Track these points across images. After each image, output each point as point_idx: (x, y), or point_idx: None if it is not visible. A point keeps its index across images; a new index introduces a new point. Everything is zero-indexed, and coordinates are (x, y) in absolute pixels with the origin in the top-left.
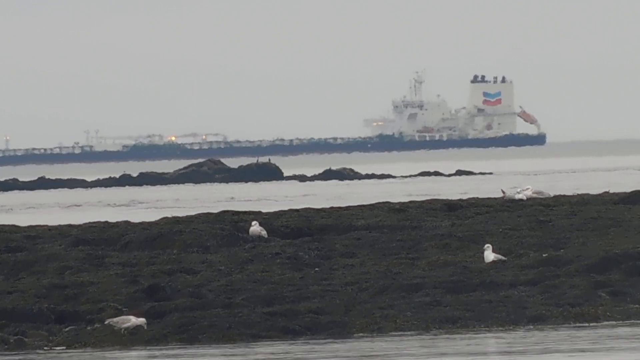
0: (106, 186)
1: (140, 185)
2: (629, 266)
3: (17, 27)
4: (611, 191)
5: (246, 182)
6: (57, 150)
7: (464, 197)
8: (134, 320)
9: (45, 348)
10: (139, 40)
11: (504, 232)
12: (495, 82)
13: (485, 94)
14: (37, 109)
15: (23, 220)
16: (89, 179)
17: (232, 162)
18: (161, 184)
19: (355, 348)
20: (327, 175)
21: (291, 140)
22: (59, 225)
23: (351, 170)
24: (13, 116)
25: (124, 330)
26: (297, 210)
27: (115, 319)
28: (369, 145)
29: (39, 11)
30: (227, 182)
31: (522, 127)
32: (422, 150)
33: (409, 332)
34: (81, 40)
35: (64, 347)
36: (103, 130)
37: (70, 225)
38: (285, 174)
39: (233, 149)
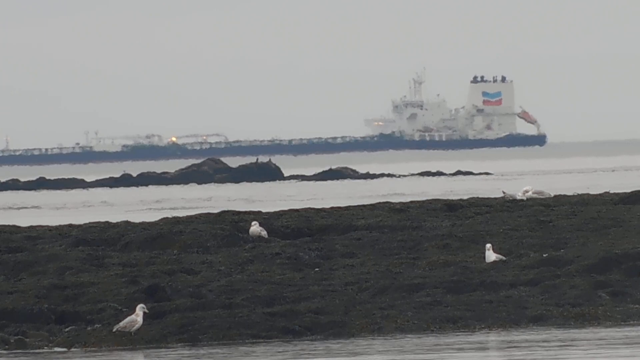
0: (106, 186)
1: (140, 185)
2: (629, 266)
3: (18, 27)
4: (611, 191)
5: (246, 182)
6: (57, 151)
7: (464, 197)
8: (139, 320)
9: (46, 348)
10: (139, 40)
11: (505, 232)
12: (495, 82)
13: (485, 94)
14: (37, 107)
15: (23, 220)
16: (89, 179)
17: (232, 162)
18: (161, 184)
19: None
20: (328, 175)
21: (291, 140)
22: (59, 226)
23: (351, 170)
24: (13, 116)
25: (134, 334)
26: (297, 210)
27: (122, 325)
28: (369, 145)
29: (38, 12)
30: (227, 182)
31: (522, 127)
32: (422, 150)
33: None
34: (81, 38)
35: (64, 348)
36: (103, 130)
37: (70, 226)
38: (285, 174)
39: (233, 149)
